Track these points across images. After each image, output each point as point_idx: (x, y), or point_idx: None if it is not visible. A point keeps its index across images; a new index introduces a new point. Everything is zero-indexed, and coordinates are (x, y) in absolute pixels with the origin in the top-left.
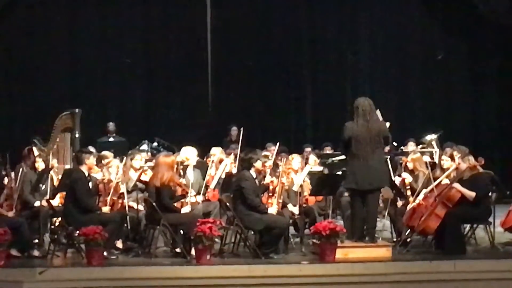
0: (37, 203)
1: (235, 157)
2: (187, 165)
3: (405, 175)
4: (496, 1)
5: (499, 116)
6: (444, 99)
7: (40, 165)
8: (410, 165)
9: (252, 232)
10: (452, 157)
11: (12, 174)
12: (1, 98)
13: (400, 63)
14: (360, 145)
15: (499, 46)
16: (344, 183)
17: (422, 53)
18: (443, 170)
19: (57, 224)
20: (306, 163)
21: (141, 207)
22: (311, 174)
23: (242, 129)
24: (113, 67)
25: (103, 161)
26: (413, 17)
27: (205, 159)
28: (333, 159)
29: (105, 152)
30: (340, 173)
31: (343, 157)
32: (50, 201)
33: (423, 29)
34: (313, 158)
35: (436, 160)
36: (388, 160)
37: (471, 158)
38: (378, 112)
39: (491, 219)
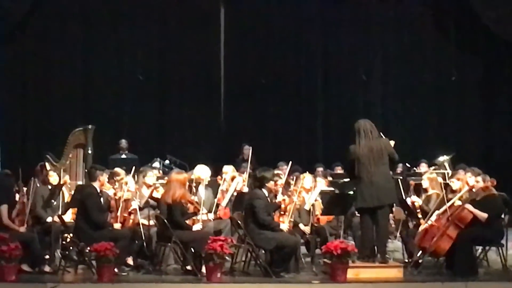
0: (49, 219)
1: (247, 175)
2: (199, 183)
3: (414, 198)
4: (508, 20)
5: None
6: (457, 119)
7: (52, 180)
8: (425, 184)
9: (263, 251)
10: (460, 179)
11: (24, 189)
12: (14, 113)
13: (412, 83)
14: (363, 166)
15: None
16: (354, 205)
17: (435, 73)
18: (453, 192)
19: (68, 240)
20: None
21: (152, 224)
22: (322, 193)
23: (251, 148)
24: (126, 84)
25: (114, 178)
26: (426, 37)
27: (217, 177)
28: (344, 180)
29: (117, 169)
30: (351, 193)
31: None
32: (62, 216)
33: (436, 49)
34: (321, 181)
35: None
36: (399, 180)
37: (485, 178)
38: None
39: (503, 241)
